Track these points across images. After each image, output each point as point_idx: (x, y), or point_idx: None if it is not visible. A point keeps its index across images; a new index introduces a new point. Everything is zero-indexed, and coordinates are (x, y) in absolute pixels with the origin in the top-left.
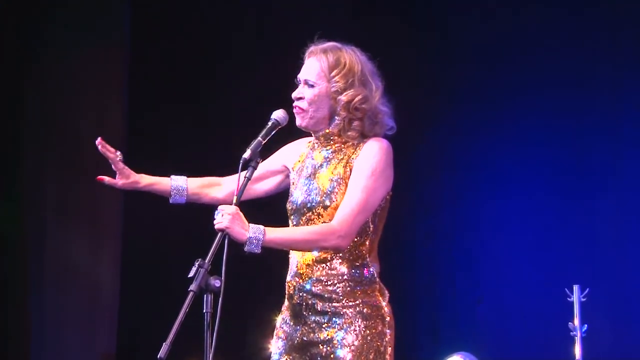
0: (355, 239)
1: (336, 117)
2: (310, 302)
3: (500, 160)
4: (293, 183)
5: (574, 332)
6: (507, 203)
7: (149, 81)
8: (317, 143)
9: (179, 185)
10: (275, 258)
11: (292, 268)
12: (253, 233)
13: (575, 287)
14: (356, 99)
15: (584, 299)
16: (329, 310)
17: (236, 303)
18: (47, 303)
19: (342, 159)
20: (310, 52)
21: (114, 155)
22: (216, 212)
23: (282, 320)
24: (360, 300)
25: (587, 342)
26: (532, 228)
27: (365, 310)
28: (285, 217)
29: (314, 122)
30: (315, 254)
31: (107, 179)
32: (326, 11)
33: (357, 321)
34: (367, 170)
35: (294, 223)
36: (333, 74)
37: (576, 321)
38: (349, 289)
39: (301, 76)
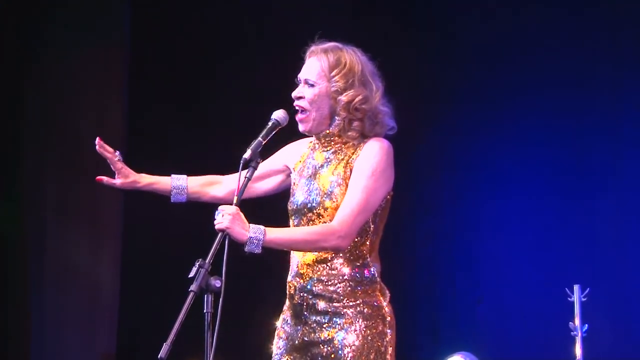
0: (356, 239)
1: (336, 118)
2: (311, 302)
3: (500, 160)
4: (294, 183)
5: (575, 332)
6: (507, 203)
7: (149, 81)
8: (317, 143)
9: (179, 184)
10: (275, 258)
11: (292, 268)
12: (253, 233)
13: (576, 287)
14: (356, 99)
15: (585, 299)
16: (329, 310)
17: (236, 303)
18: (47, 303)
19: (342, 159)
20: (311, 52)
21: (113, 155)
22: (216, 212)
23: (283, 320)
24: (361, 300)
25: (588, 342)
26: (532, 228)
27: (365, 310)
28: (285, 217)
29: (316, 124)
30: (315, 253)
31: (105, 179)
32: (326, 11)
33: (358, 321)
34: (367, 171)
35: (295, 223)
36: (333, 73)
37: (577, 321)
38: (349, 289)
39: (301, 76)
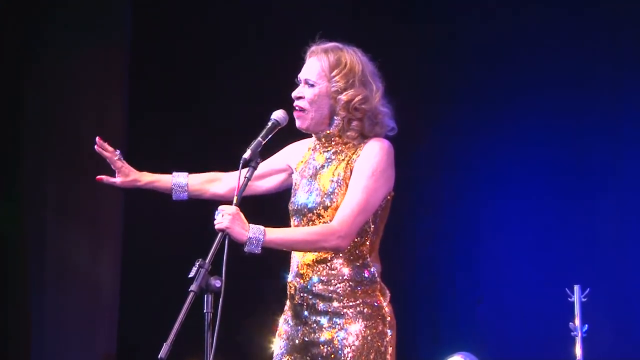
0: (356, 240)
1: (336, 118)
2: (311, 302)
3: (500, 160)
4: (295, 184)
5: (575, 332)
6: (507, 203)
7: (149, 81)
8: (318, 144)
9: (179, 181)
10: (275, 258)
11: (293, 268)
12: (253, 233)
13: (576, 287)
14: (356, 99)
15: (585, 299)
16: (329, 310)
17: (236, 303)
18: (47, 303)
19: (342, 159)
20: (311, 52)
21: (112, 154)
22: (216, 212)
23: (284, 320)
24: (361, 301)
25: (588, 342)
26: (532, 228)
27: (365, 310)
28: (285, 217)
29: (315, 122)
30: (314, 254)
31: (105, 178)
32: (326, 11)
33: (358, 321)
34: (367, 171)
35: (295, 223)
36: (333, 73)
37: (577, 321)
38: (349, 289)
39: (302, 76)
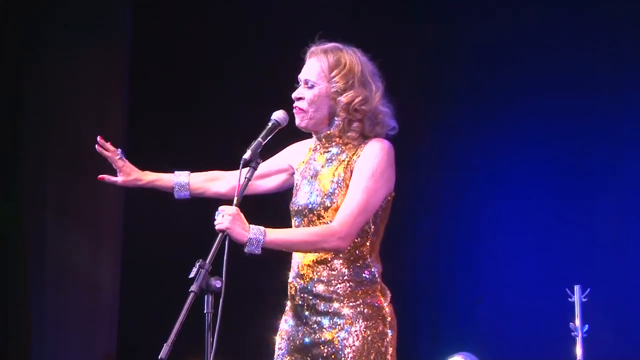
0: (356, 240)
1: (336, 118)
2: (311, 302)
3: (500, 160)
4: (296, 184)
5: (575, 333)
6: (507, 203)
7: (149, 81)
8: (318, 144)
9: (181, 181)
10: (276, 259)
11: (293, 269)
12: (253, 234)
13: (576, 288)
14: (356, 100)
15: (585, 299)
16: (330, 310)
17: (237, 304)
18: (47, 303)
19: (343, 160)
20: (311, 53)
21: (114, 153)
22: (216, 213)
23: (285, 321)
24: (361, 301)
25: (588, 342)
26: (532, 228)
27: (366, 310)
28: (286, 217)
29: (314, 122)
30: (315, 254)
31: (107, 177)
32: (326, 11)
33: (358, 322)
34: (367, 171)
35: (296, 224)
36: (333, 74)
37: (577, 321)
38: (349, 289)
39: (301, 76)
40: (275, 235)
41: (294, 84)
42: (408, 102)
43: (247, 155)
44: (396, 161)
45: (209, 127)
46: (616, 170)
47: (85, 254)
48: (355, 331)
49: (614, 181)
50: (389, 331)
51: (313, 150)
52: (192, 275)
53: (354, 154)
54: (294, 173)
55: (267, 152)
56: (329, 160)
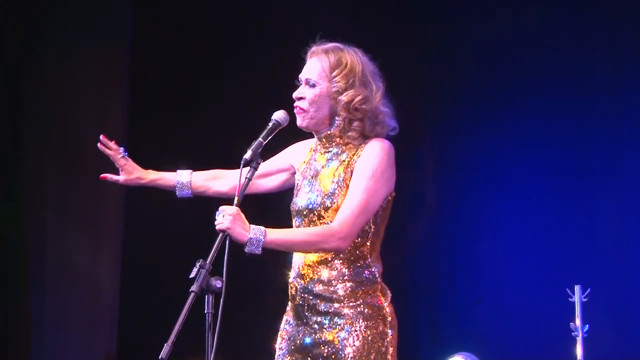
0: (356, 240)
1: (336, 118)
2: (312, 302)
3: (500, 160)
4: (297, 184)
5: (575, 333)
6: (507, 203)
7: (149, 81)
8: (319, 145)
9: (183, 179)
10: (276, 259)
11: (294, 269)
12: (254, 234)
13: (577, 288)
14: (356, 99)
15: (586, 299)
16: (330, 310)
17: (237, 304)
18: (47, 303)
19: (343, 160)
20: (312, 52)
21: (116, 152)
22: (217, 213)
23: (286, 321)
24: (362, 301)
25: (589, 342)
26: (532, 228)
27: (366, 310)
28: (287, 217)
29: (315, 122)
30: (315, 254)
31: (109, 176)
32: (326, 11)
33: (358, 321)
34: (367, 171)
35: (297, 224)
36: (334, 74)
37: (577, 321)
38: (350, 289)
39: (302, 76)
40: (276, 235)
41: (294, 84)
42: (408, 102)
43: (247, 155)
44: (396, 161)
45: (209, 127)
46: (616, 170)
47: (85, 254)
48: (356, 331)
49: (614, 181)
50: (390, 331)
51: (314, 151)
52: (192, 275)
53: (354, 154)
54: (295, 173)
55: (267, 152)
56: (329, 161)
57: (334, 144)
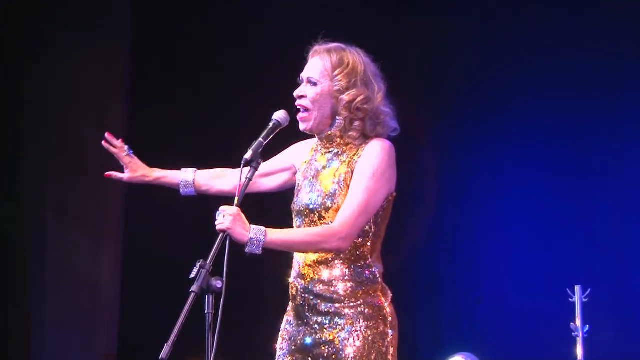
0: (357, 241)
1: (338, 118)
2: (312, 302)
3: (500, 160)
4: (298, 184)
5: (576, 333)
6: (507, 203)
7: (149, 81)
8: (320, 145)
9: (187, 178)
10: (277, 259)
11: (295, 269)
12: (254, 234)
13: (577, 288)
14: (358, 99)
15: (586, 300)
16: (331, 310)
17: (237, 304)
18: (47, 303)
19: (344, 160)
20: (314, 52)
21: (121, 149)
22: (217, 213)
23: (286, 321)
24: (362, 301)
25: (589, 342)
26: (532, 228)
27: (366, 310)
28: (287, 218)
29: (317, 123)
30: (316, 254)
31: (114, 174)
32: (326, 11)
33: (359, 322)
34: (368, 172)
35: (298, 224)
36: (336, 73)
37: (578, 322)
38: (350, 289)
39: (304, 74)
40: (276, 235)
41: (294, 83)
42: (408, 102)
43: (248, 155)
44: (396, 161)
45: (209, 127)
46: (616, 170)
47: (85, 254)
48: (356, 331)
49: (614, 181)
50: (390, 331)
51: (315, 151)
52: (192, 275)
53: (355, 154)
54: (296, 173)
55: (268, 152)
56: (330, 161)
57: (334, 144)
